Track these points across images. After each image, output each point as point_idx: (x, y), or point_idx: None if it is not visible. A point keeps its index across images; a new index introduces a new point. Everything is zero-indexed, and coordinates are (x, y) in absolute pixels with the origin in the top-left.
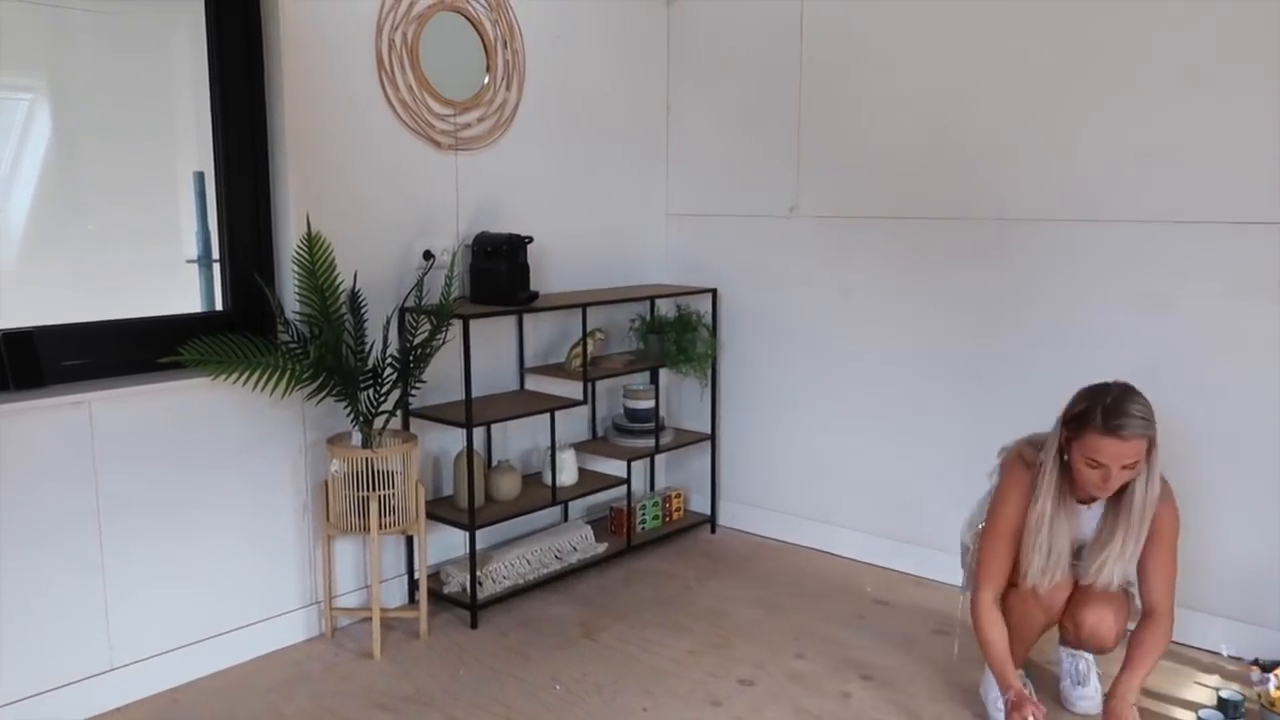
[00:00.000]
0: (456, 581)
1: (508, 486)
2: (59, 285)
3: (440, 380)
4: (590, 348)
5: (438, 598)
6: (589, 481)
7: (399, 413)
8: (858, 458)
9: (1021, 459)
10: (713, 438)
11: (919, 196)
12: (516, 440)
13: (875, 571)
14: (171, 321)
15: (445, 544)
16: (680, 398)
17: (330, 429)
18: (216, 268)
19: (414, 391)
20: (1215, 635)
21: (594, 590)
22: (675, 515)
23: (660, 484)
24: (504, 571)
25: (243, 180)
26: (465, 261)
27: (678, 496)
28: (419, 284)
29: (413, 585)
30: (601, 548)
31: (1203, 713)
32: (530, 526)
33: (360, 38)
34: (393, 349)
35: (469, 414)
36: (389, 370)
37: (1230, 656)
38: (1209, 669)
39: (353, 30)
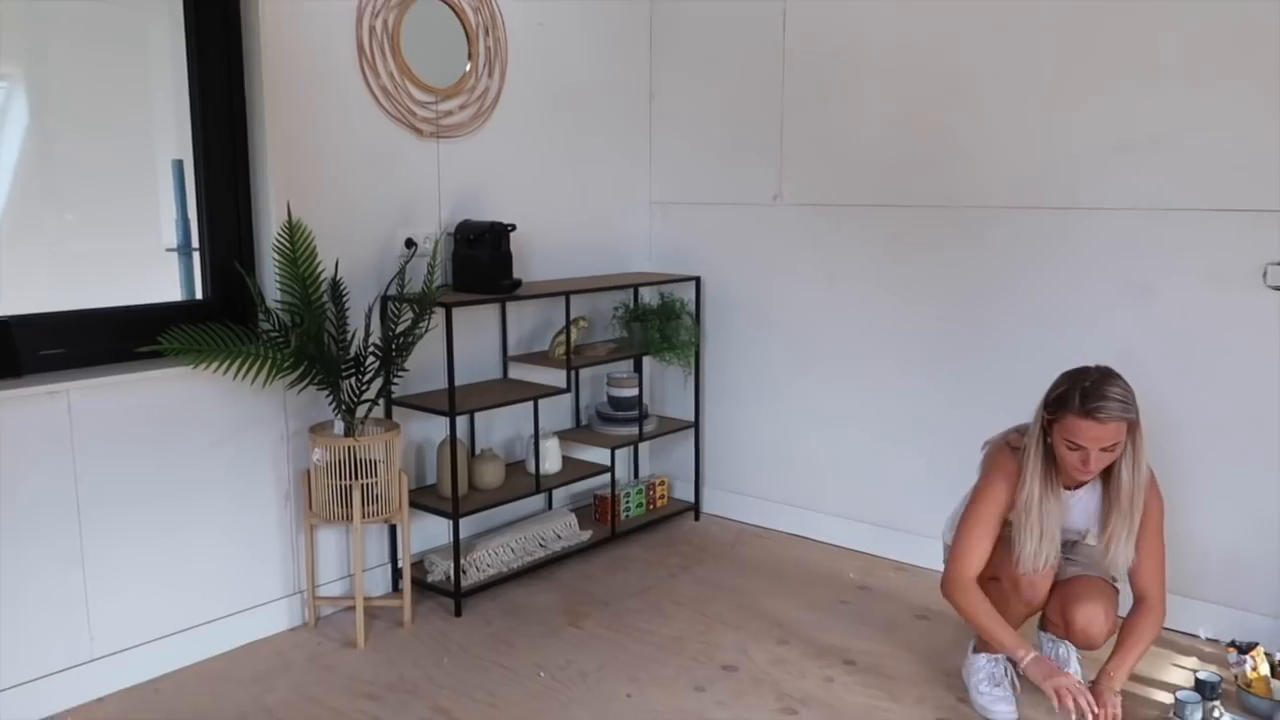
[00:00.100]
0: (440, 570)
1: (491, 475)
2: (36, 274)
3: (423, 369)
4: (574, 336)
5: (422, 586)
6: (573, 469)
7: (381, 401)
8: (841, 444)
9: (1008, 445)
10: (696, 425)
11: (902, 185)
12: (500, 428)
13: (857, 557)
14: (151, 311)
15: (429, 532)
16: (664, 386)
17: (312, 418)
18: (196, 256)
19: (396, 380)
20: (1193, 618)
21: (578, 578)
22: (659, 503)
23: (644, 472)
24: (488, 560)
25: (222, 168)
26: (448, 250)
27: (661, 484)
28: (401, 272)
29: (396, 574)
30: (585, 535)
31: (1180, 694)
32: (514, 514)
33: (340, 24)
34: (375, 337)
35: (452, 402)
36: (371, 359)
37: (1208, 639)
38: (1186, 651)
39: (333, 16)
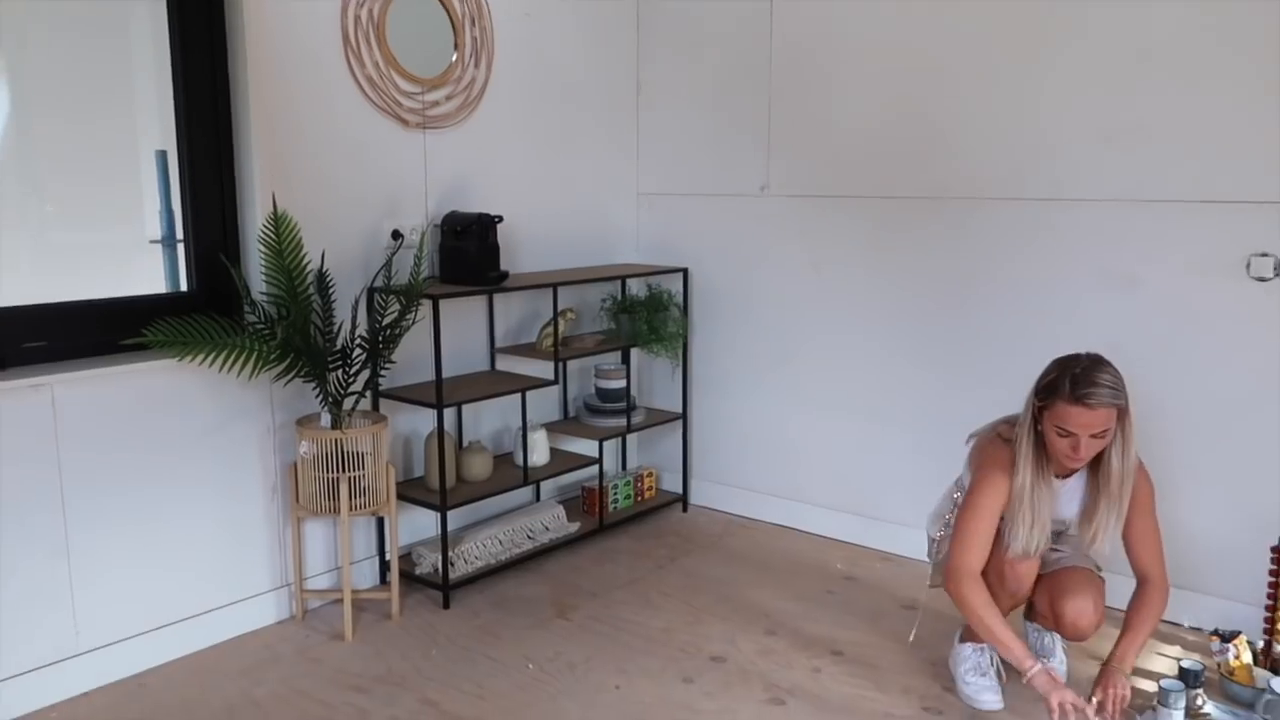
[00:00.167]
0: (428, 562)
1: (479, 467)
2: (18, 266)
3: (410, 361)
4: (561, 328)
5: (409, 579)
6: (561, 461)
7: (368, 394)
8: (827, 436)
9: (999, 437)
10: (684, 417)
11: (889, 176)
12: (487, 420)
13: (844, 548)
14: (135, 302)
15: (416, 525)
16: (651, 377)
17: (299, 410)
18: (181, 248)
19: (383, 372)
20: (1176, 607)
21: (566, 569)
22: (647, 494)
23: (632, 463)
24: (476, 552)
25: (207, 159)
26: (434, 241)
27: (649, 476)
28: (388, 264)
29: (384, 566)
30: (574, 527)
31: (1164, 682)
32: (502, 506)
33: (325, 13)
34: (361, 329)
35: (439, 394)
36: (358, 351)
37: (1191, 628)
38: (1170, 640)
39: (318, 6)
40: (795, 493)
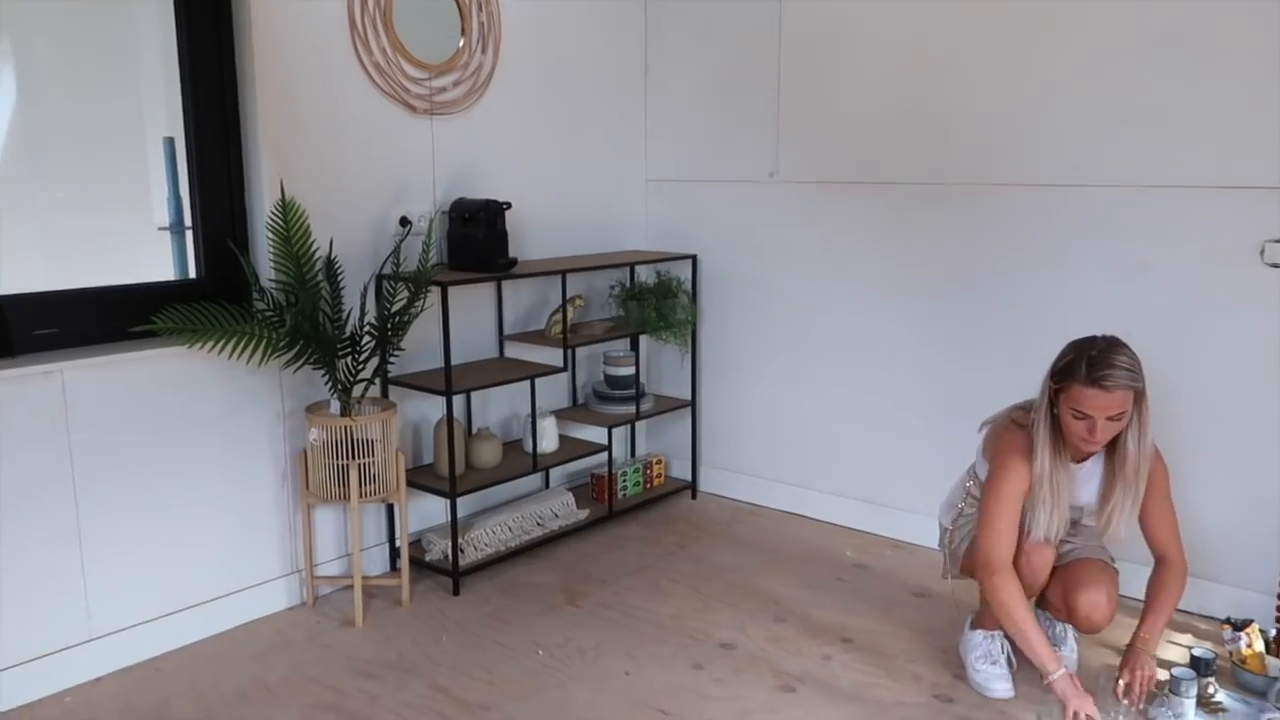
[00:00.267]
0: (438, 549)
1: (488, 454)
2: (27, 253)
3: (419, 348)
4: (570, 314)
5: (419, 565)
6: (570, 448)
7: (378, 381)
8: (837, 423)
9: (1014, 423)
10: (693, 404)
11: (899, 161)
12: (497, 407)
13: (854, 535)
14: (144, 290)
15: (426, 512)
16: (660, 364)
17: (308, 397)
18: (189, 235)
19: (392, 359)
20: (1188, 595)
21: (575, 556)
22: (656, 481)
23: (641, 450)
24: (485, 539)
25: (214, 145)
26: (443, 228)
27: (658, 463)
28: (396, 251)
29: (394, 553)
30: (583, 514)
31: (1176, 670)
32: (511, 494)
33: None
34: (370, 316)
35: (448, 381)
36: (367, 338)
37: (1203, 616)
38: (1182, 628)
39: None
40: (805, 480)
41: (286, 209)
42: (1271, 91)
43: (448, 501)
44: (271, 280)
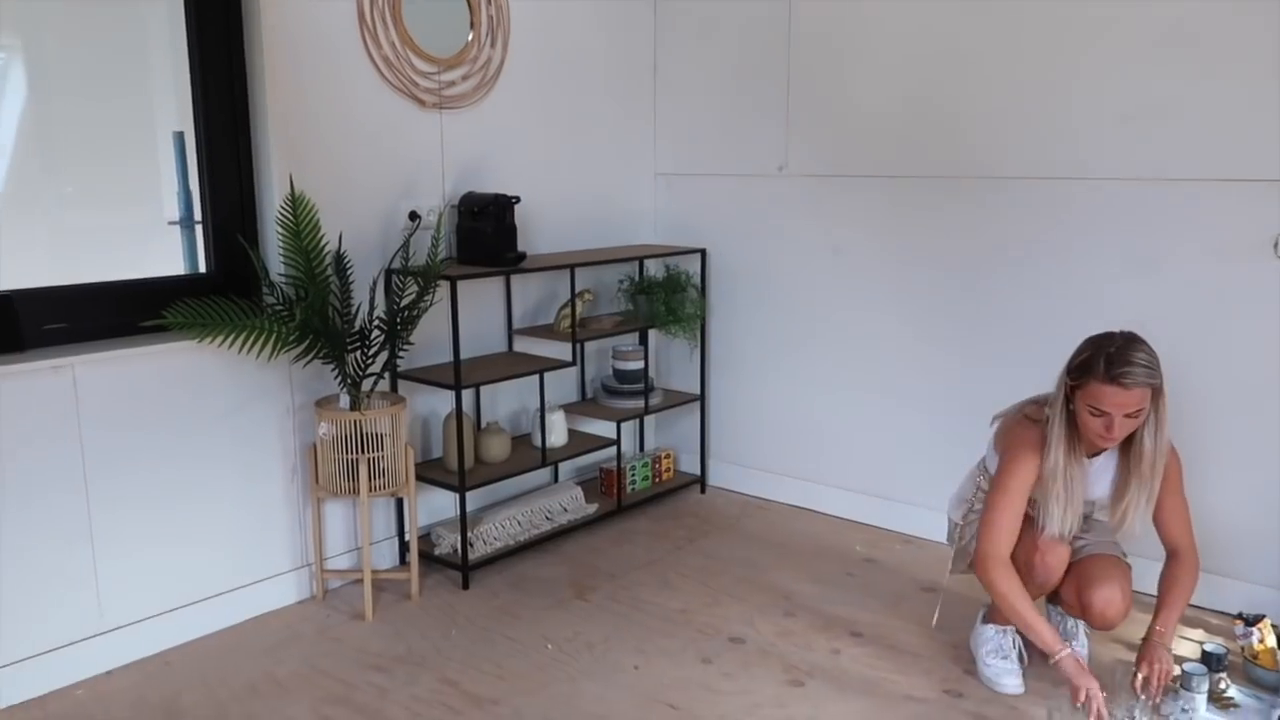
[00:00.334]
0: (447, 543)
1: (497, 448)
2: (37, 248)
3: (428, 342)
4: (579, 309)
5: (429, 559)
6: (578, 443)
7: (387, 375)
8: (846, 417)
9: (1027, 418)
10: (702, 398)
11: (909, 155)
12: (505, 402)
13: (864, 529)
14: (154, 284)
15: (435, 506)
16: (669, 358)
17: (318, 391)
18: (199, 229)
19: (402, 353)
20: (1200, 590)
21: (584, 550)
22: (665, 475)
23: (650, 445)
24: (494, 533)
25: (224, 140)
26: (451, 222)
27: (667, 457)
28: (405, 245)
29: (403, 547)
30: (592, 508)
31: (1187, 666)
32: (520, 488)
33: None
34: (379, 311)
35: (457, 376)
36: (376, 332)
37: (1215, 611)
38: (1194, 623)
39: None
40: (814, 474)
41: (296, 203)
42: None
43: (457, 496)
44: (281, 274)
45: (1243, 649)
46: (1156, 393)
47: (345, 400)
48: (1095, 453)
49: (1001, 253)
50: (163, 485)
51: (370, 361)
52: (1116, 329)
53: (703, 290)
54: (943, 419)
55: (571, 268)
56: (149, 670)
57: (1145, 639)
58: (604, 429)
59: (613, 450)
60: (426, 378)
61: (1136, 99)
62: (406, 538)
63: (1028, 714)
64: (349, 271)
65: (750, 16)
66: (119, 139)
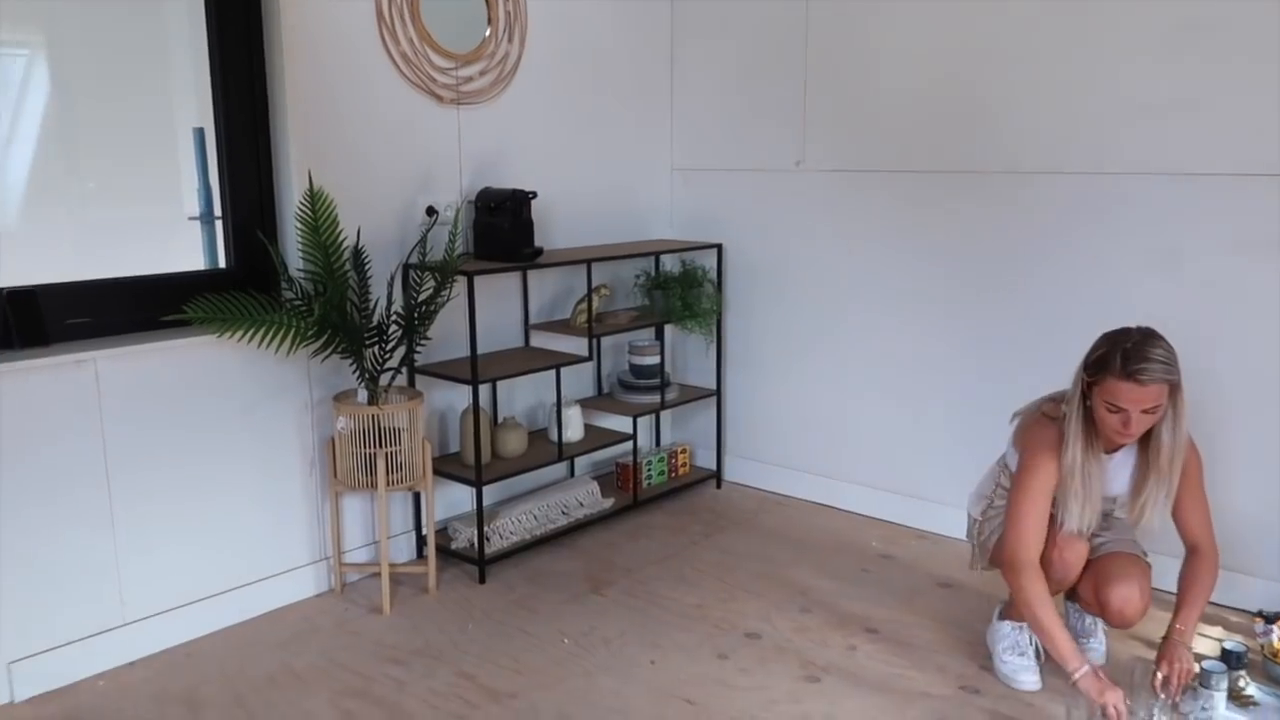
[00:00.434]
0: (464, 537)
1: (514, 443)
2: (61, 244)
3: (445, 337)
4: (595, 304)
5: (446, 553)
6: (595, 437)
7: (404, 370)
8: (863, 412)
9: (1045, 416)
10: (718, 393)
11: (927, 150)
12: (522, 397)
13: (880, 525)
14: (175, 279)
15: (452, 500)
16: (685, 354)
17: (336, 386)
18: (219, 225)
19: (419, 348)
20: (1219, 588)
21: (600, 545)
22: (681, 471)
23: (666, 440)
24: (511, 527)
25: (243, 136)
26: (469, 217)
27: (683, 452)
28: (423, 240)
29: (421, 541)
30: (608, 503)
31: (1206, 663)
32: (537, 482)
33: None
34: (397, 306)
35: (474, 371)
36: (394, 327)
37: (1235, 609)
38: (1213, 621)
39: None
40: (831, 470)
41: (314, 199)
42: None
43: (474, 490)
44: (300, 270)
45: (1262, 647)
46: (1174, 388)
47: (363, 395)
48: (1114, 449)
49: (1020, 248)
50: (183, 478)
51: (388, 356)
52: (1134, 325)
53: (719, 285)
54: (960, 415)
55: (588, 263)
56: (170, 662)
57: (1165, 638)
58: (620, 424)
59: (629, 445)
60: (444, 372)
61: (1157, 93)
62: (424, 532)
63: (1044, 711)
64: (367, 267)
65: (767, 11)
66: (140, 136)
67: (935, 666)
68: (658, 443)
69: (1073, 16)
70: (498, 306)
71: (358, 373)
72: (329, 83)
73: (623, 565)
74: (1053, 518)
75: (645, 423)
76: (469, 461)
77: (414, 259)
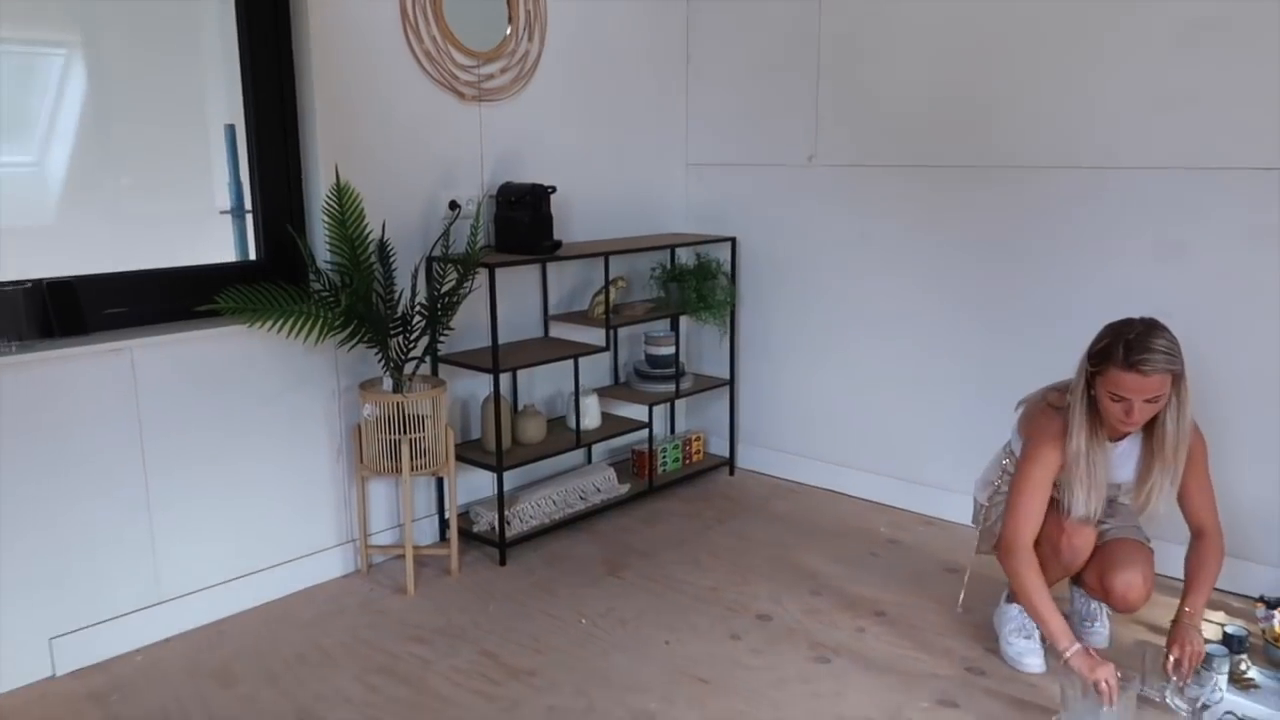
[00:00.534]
0: (485, 521)
1: (533, 430)
2: (98, 237)
3: (467, 327)
4: (612, 296)
5: (468, 536)
6: (612, 425)
7: (428, 359)
8: (872, 402)
9: (1050, 405)
10: (731, 383)
11: (937, 145)
12: (541, 385)
13: (888, 511)
14: (207, 271)
15: (474, 485)
16: (700, 344)
17: (362, 375)
18: (249, 218)
19: (442, 338)
20: (1222, 573)
21: (617, 529)
22: (695, 458)
23: (680, 427)
24: (531, 511)
25: (273, 132)
26: (490, 211)
27: (697, 439)
28: (445, 233)
29: (443, 524)
30: (624, 489)
31: (1209, 647)
32: (555, 468)
33: None
34: (421, 297)
35: (495, 360)
36: (418, 318)
37: (1237, 594)
38: (1215, 606)
39: None
40: (840, 457)
41: (341, 193)
42: None
43: (495, 475)
44: (327, 262)
45: (1264, 631)
46: (1177, 378)
47: (388, 383)
48: (1118, 437)
49: (1029, 241)
50: (216, 462)
51: (412, 346)
52: (1138, 316)
53: (733, 278)
54: (967, 405)
55: (605, 255)
56: (203, 638)
57: (1175, 621)
58: (636, 412)
59: (644, 433)
60: (466, 362)
61: (1164, 87)
62: (446, 515)
63: (1049, 692)
64: (392, 259)
65: (780, 10)
66: (174, 133)
67: (942, 648)
68: (672, 430)
69: (1082, 11)
70: (518, 298)
71: (383, 362)
72: (355, 81)
73: (639, 549)
74: (1057, 503)
75: (660, 411)
76: (490, 448)
77: (437, 252)
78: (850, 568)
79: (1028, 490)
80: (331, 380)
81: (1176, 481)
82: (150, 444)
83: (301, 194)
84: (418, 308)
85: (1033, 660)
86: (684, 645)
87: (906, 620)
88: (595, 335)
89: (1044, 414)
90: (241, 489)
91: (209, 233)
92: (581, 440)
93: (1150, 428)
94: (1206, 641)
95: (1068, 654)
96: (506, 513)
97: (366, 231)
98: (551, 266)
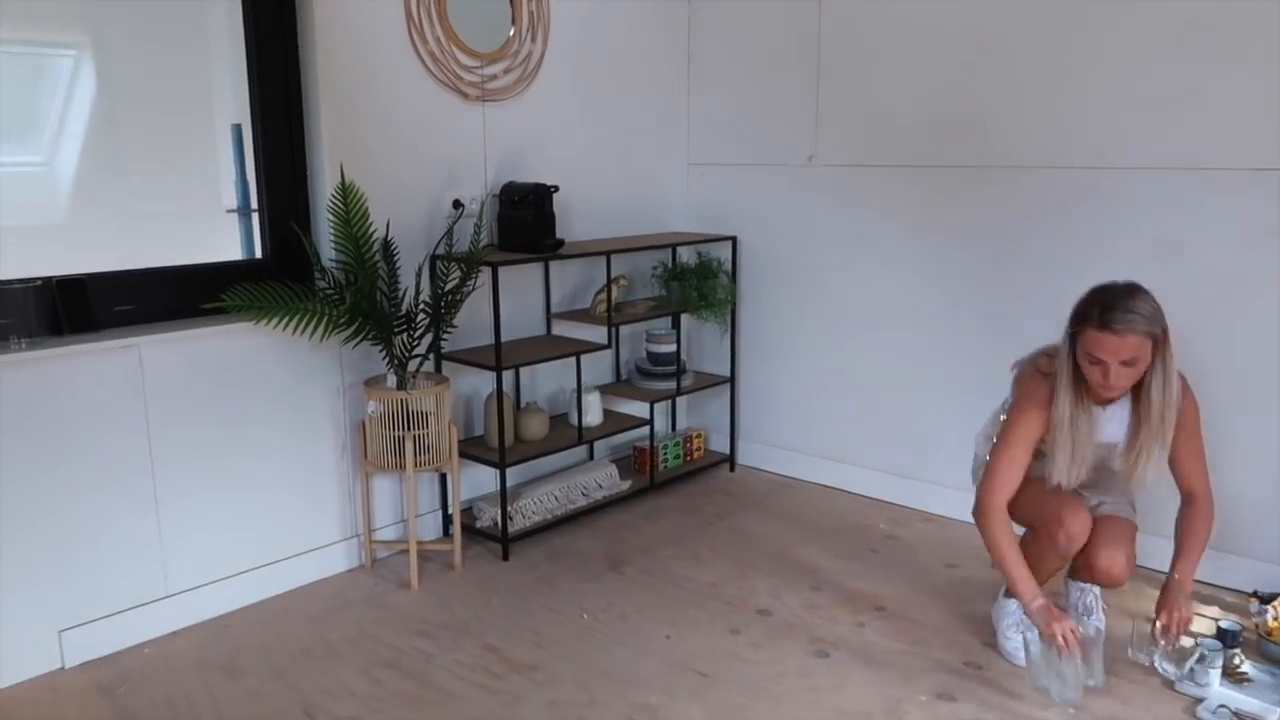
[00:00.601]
0: (488, 516)
1: (536, 427)
2: (107, 235)
3: (471, 325)
4: (614, 294)
5: (471, 532)
6: (613, 422)
7: (432, 356)
8: (871, 399)
9: (1037, 368)
10: (732, 380)
11: (936, 145)
12: (544, 382)
13: (887, 508)
14: (214, 269)
15: (477, 481)
16: (701, 342)
17: (366, 372)
18: (255, 217)
19: (445, 336)
20: (1217, 569)
21: (618, 525)
22: (696, 454)
23: (681, 424)
24: (533, 507)
25: (278, 132)
26: (493, 210)
27: (698, 436)
28: (449, 232)
29: (447, 520)
30: (625, 485)
31: (1202, 641)
32: (557, 465)
33: None
34: (425, 295)
35: (498, 357)
36: (421, 316)
37: (1230, 589)
38: (1208, 600)
39: None
40: (840, 454)
41: (346, 192)
42: None
43: (497, 471)
44: (332, 260)
45: (1257, 626)
46: (1158, 342)
47: (392, 380)
48: (1104, 402)
49: (1026, 240)
50: (222, 458)
51: (416, 343)
52: (1121, 280)
53: (733, 276)
54: (966, 402)
55: (607, 254)
56: (210, 632)
57: (1164, 587)
58: (638, 409)
59: (646, 430)
60: (469, 359)
61: (1160, 88)
62: (449, 511)
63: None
64: (396, 257)
65: (781, 11)
66: (181, 133)
67: (941, 643)
68: (674, 427)
69: (1081, 12)
70: (521, 296)
71: (387, 359)
72: (360, 81)
73: (640, 545)
74: (1051, 495)
75: (662, 408)
76: (493, 444)
77: (441, 250)
78: (849, 563)
79: (1007, 456)
80: (336, 377)
81: (1166, 446)
82: (158, 440)
83: (307, 193)
84: (421, 306)
85: None
86: (684, 640)
87: (905, 615)
88: (597, 333)
89: (1032, 379)
90: (247, 484)
91: (216, 231)
92: (583, 437)
93: (1138, 393)
94: (1201, 635)
95: (1033, 605)
96: (509, 508)
97: (371, 230)
98: (554, 265)
